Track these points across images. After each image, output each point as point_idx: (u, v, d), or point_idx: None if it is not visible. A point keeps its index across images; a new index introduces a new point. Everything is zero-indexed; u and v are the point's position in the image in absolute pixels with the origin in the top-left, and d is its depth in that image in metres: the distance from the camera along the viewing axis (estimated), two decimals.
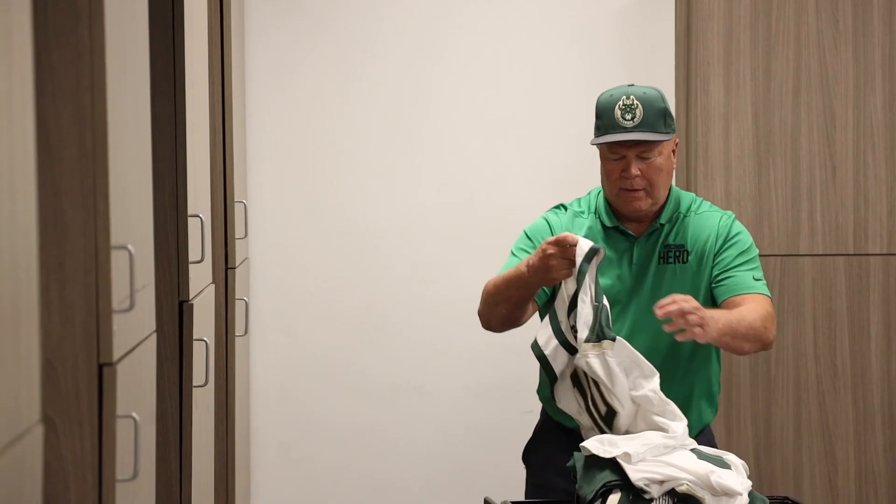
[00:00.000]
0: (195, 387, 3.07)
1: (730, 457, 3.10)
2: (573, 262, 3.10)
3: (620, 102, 3.29)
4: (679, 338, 3.11)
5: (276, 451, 5.04)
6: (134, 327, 2.24)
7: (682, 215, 3.39)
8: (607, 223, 3.39)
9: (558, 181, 5.12)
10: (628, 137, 3.27)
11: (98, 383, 2.07)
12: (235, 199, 4.21)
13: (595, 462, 3.06)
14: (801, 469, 4.88)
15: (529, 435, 3.60)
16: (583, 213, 3.45)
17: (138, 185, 2.36)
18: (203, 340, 3.11)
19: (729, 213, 3.47)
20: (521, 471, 3.60)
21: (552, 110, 5.15)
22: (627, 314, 3.36)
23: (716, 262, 3.36)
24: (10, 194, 1.60)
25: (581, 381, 3.15)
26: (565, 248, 3.10)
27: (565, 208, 3.50)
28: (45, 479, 2.03)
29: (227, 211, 4.08)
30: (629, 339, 3.20)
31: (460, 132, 5.12)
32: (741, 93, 4.87)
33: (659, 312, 3.05)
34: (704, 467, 3.00)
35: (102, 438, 2.06)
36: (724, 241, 3.37)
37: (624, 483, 2.99)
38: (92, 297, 2.06)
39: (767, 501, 3.10)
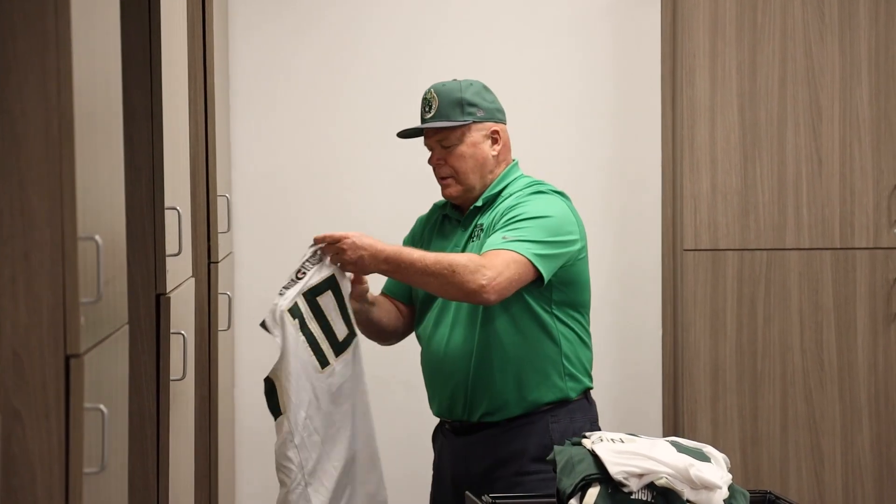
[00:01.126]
0: (173, 380, 3.05)
1: (710, 450, 3.08)
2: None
3: (424, 97, 3.45)
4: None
5: (261, 445, 5.02)
6: (103, 319, 2.23)
7: (502, 198, 3.42)
8: (443, 211, 3.52)
9: (545, 173, 5.10)
10: (411, 126, 3.44)
11: (65, 375, 2.05)
12: (218, 194, 4.19)
13: (574, 455, 3.04)
14: (788, 463, 4.87)
15: None
16: (440, 205, 3.56)
17: (109, 176, 2.34)
18: (181, 334, 3.09)
19: (535, 191, 3.41)
20: None
21: (539, 103, 5.13)
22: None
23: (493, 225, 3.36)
24: None
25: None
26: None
27: (439, 204, 3.61)
28: (11, 470, 2.02)
29: (209, 205, 4.07)
30: (443, 323, 3.33)
31: None
32: (727, 85, 4.85)
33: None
34: (683, 460, 2.98)
35: (69, 430, 2.04)
36: (504, 212, 3.36)
37: (603, 476, 2.98)
38: (59, 288, 2.04)
39: (748, 495, 3.08)
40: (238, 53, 5.02)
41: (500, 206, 3.40)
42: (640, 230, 5.12)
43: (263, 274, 4.99)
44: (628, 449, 3.02)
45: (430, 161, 3.46)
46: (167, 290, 3.02)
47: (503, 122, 3.50)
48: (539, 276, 3.29)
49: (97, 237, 2.11)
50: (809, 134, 4.86)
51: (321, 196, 5.06)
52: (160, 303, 3.01)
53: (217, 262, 4.14)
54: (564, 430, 3.41)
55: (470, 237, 3.42)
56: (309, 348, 3.21)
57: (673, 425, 4.96)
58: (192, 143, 3.95)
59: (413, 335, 3.56)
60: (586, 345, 3.47)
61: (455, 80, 3.47)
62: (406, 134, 3.48)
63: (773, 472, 4.87)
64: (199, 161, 4.03)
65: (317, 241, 3.25)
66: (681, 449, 3.05)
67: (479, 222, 3.42)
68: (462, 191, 3.43)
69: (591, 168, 5.14)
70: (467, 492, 3.32)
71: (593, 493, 2.98)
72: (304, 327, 3.21)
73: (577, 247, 3.39)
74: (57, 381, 2.04)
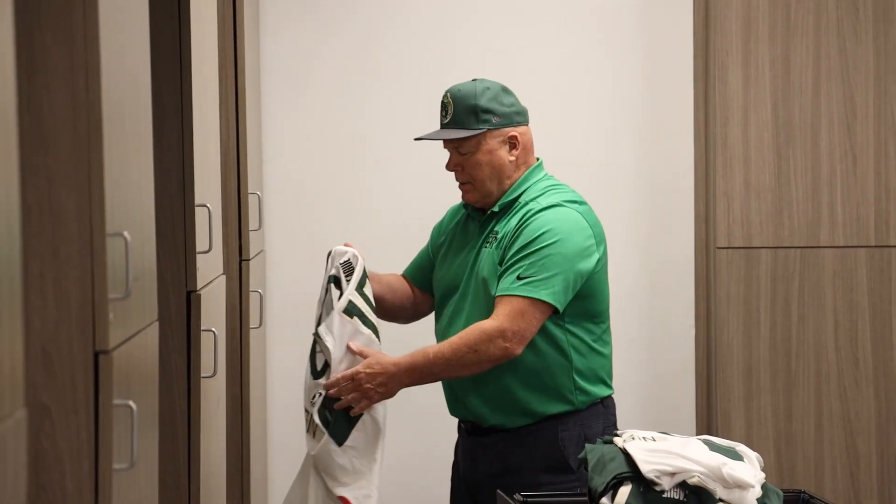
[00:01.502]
0: (203, 377, 3.05)
1: (743, 448, 3.06)
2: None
3: (442, 101, 3.41)
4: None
5: (294, 442, 5.02)
6: (132, 315, 2.22)
7: (519, 205, 3.37)
8: (467, 209, 3.50)
9: (576, 171, 5.08)
10: (424, 136, 3.43)
11: (94, 371, 2.05)
12: (249, 191, 4.19)
13: (606, 453, 3.03)
14: (823, 462, 4.83)
15: None
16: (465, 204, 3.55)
17: (138, 172, 2.34)
18: (211, 331, 3.09)
19: (546, 204, 3.34)
20: None
21: (570, 101, 5.11)
22: (460, 295, 3.39)
23: (504, 254, 3.32)
24: None
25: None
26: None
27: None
28: (41, 466, 2.02)
29: (240, 202, 4.07)
30: (458, 319, 3.34)
31: None
32: (760, 83, 4.82)
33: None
34: (716, 459, 2.96)
35: (98, 426, 2.04)
36: (515, 233, 3.31)
37: (635, 475, 2.96)
38: (87, 284, 2.04)
39: (781, 494, 3.06)
40: (269, 51, 5.02)
41: (517, 215, 3.35)
42: (673, 228, 5.10)
43: (295, 271, 4.99)
44: (660, 447, 3.00)
45: (447, 167, 3.43)
46: (197, 288, 3.02)
47: (523, 124, 3.43)
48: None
49: (125, 233, 2.11)
50: (843, 131, 4.83)
51: (351, 194, 5.05)
52: (190, 300, 3.01)
53: (248, 260, 4.14)
54: (577, 437, 3.37)
55: (485, 243, 3.38)
56: (377, 340, 3.30)
57: (706, 424, 4.93)
58: (223, 141, 3.95)
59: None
60: (601, 353, 3.41)
61: (474, 80, 3.41)
62: (425, 139, 3.44)
63: (808, 471, 4.84)
64: (230, 158, 4.03)
65: (327, 387, 3.25)
66: (713, 447, 3.02)
67: (494, 228, 3.37)
68: (480, 196, 3.39)
69: (622, 166, 5.12)
70: (499, 490, 3.31)
71: (625, 491, 2.96)
72: (366, 321, 3.24)
73: (593, 261, 3.33)
74: (86, 377, 2.04)
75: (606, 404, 3.44)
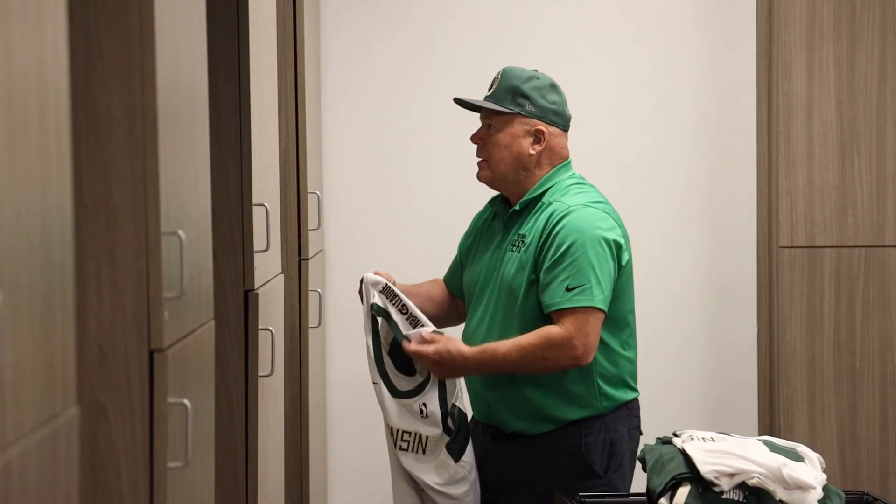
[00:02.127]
0: (261, 376, 3.06)
1: (804, 449, 3.03)
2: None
3: (495, 75, 3.45)
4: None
5: (353, 442, 5.03)
6: (187, 314, 2.23)
7: (543, 205, 3.37)
8: (493, 207, 3.53)
9: (635, 170, 5.06)
10: (463, 98, 3.45)
11: (149, 369, 2.05)
12: (309, 191, 4.19)
13: (665, 454, 3.01)
14: (888, 464, 4.77)
15: None
16: (493, 200, 3.57)
17: (194, 171, 2.35)
18: (269, 330, 3.10)
19: (572, 205, 3.33)
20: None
21: (629, 98, 5.09)
22: (486, 299, 3.40)
23: (538, 259, 3.31)
24: (43, 180, 1.59)
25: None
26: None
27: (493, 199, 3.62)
28: (97, 464, 2.03)
29: (300, 202, 4.07)
30: (484, 323, 3.39)
31: None
32: (824, 80, 4.77)
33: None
34: (776, 460, 2.93)
35: (153, 424, 2.05)
36: (545, 237, 3.31)
37: (693, 475, 2.93)
38: (142, 283, 2.05)
39: (843, 496, 3.02)
40: (329, 49, 5.03)
41: (542, 216, 3.34)
42: (734, 227, 5.05)
43: (354, 271, 4.97)
44: (719, 448, 2.98)
45: (472, 138, 3.46)
46: (255, 287, 3.02)
47: (558, 125, 3.41)
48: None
49: (180, 232, 2.12)
50: None
51: (412, 193, 5.05)
52: (248, 299, 3.02)
53: (307, 259, 4.14)
54: (602, 443, 3.36)
55: (511, 246, 3.37)
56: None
57: (769, 425, 4.89)
58: (283, 140, 3.96)
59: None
60: (626, 357, 3.40)
61: (535, 70, 3.45)
62: (462, 103, 3.48)
63: (873, 473, 4.78)
64: (290, 158, 4.04)
65: (408, 351, 3.36)
66: (773, 448, 2.99)
67: (520, 232, 3.37)
68: (491, 177, 3.42)
69: (683, 164, 5.08)
70: (556, 492, 3.30)
71: (683, 492, 2.94)
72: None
73: (625, 260, 3.35)
74: (141, 376, 2.05)
75: (630, 407, 3.43)
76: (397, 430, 3.38)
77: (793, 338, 4.79)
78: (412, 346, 3.34)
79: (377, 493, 5.04)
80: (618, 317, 3.35)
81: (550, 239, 3.28)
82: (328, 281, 4.99)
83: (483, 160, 3.42)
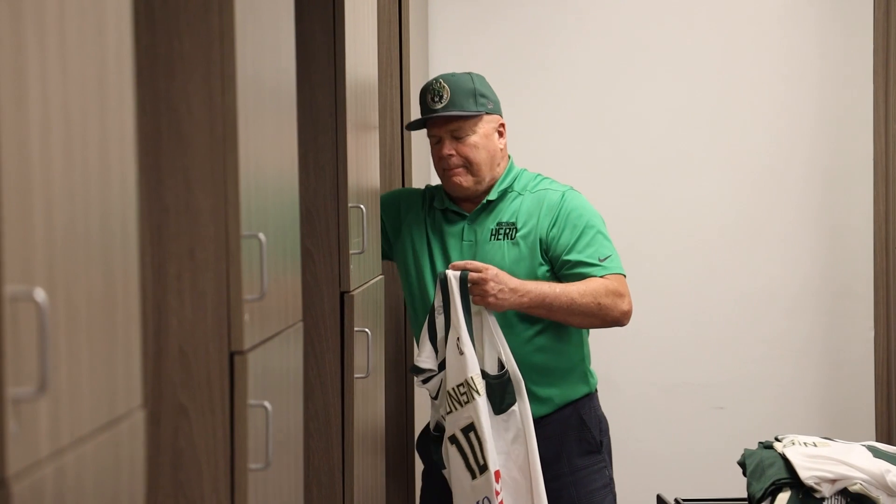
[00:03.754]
0: (357, 378, 3.06)
1: None
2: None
3: (430, 88, 3.47)
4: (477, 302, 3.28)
5: None
6: (270, 316, 2.24)
7: (517, 193, 3.46)
8: (438, 206, 3.53)
9: (749, 167, 4.99)
10: (429, 116, 3.44)
11: (229, 371, 2.06)
12: None
13: (765, 458, 2.95)
14: None
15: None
16: (431, 194, 3.59)
17: (279, 174, 2.35)
18: (364, 332, 3.10)
19: (566, 187, 3.48)
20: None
21: (745, 96, 5.01)
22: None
23: (550, 243, 3.39)
24: (102, 186, 1.60)
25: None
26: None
27: (430, 193, 3.63)
28: (179, 465, 2.04)
29: None
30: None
31: (647, 117, 5.03)
32: None
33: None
34: (880, 466, 2.87)
35: (234, 426, 2.06)
36: (555, 220, 3.40)
37: (794, 481, 2.88)
38: (223, 285, 2.05)
39: None
40: (437, 52, 5.03)
41: (528, 201, 3.42)
42: (851, 226, 4.95)
43: None
44: (821, 453, 2.92)
45: (439, 152, 3.47)
46: (351, 288, 3.03)
47: (501, 115, 3.55)
48: None
49: (260, 235, 2.12)
50: None
51: None
52: (343, 300, 3.02)
53: None
54: (596, 419, 3.47)
55: (496, 235, 3.42)
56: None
57: (886, 429, 4.78)
58: (387, 143, 3.97)
59: None
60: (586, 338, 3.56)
61: (468, 73, 3.51)
62: (413, 126, 3.54)
63: None
64: (395, 161, 4.04)
65: (455, 267, 3.32)
66: (877, 454, 2.92)
67: (501, 220, 3.43)
68: (473, 182, 3.46)
69: (797, 162, 5.00)
70: (659, 493, 3.26)
71: (784, 498, 2.88)
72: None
73: None
74: (221, 378, 2.05)
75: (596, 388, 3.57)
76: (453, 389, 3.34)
77: None
78: (471, 264, 3.31)
79: None
80: None
81: (562, 221, 3.40)
82: None
83: (461, 167, 3.45)
